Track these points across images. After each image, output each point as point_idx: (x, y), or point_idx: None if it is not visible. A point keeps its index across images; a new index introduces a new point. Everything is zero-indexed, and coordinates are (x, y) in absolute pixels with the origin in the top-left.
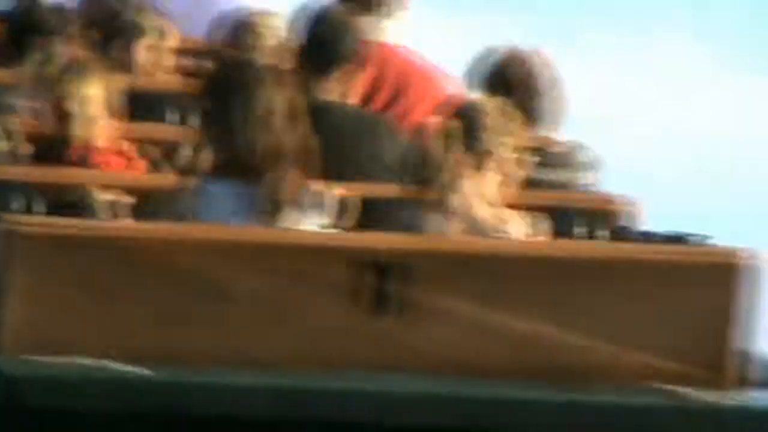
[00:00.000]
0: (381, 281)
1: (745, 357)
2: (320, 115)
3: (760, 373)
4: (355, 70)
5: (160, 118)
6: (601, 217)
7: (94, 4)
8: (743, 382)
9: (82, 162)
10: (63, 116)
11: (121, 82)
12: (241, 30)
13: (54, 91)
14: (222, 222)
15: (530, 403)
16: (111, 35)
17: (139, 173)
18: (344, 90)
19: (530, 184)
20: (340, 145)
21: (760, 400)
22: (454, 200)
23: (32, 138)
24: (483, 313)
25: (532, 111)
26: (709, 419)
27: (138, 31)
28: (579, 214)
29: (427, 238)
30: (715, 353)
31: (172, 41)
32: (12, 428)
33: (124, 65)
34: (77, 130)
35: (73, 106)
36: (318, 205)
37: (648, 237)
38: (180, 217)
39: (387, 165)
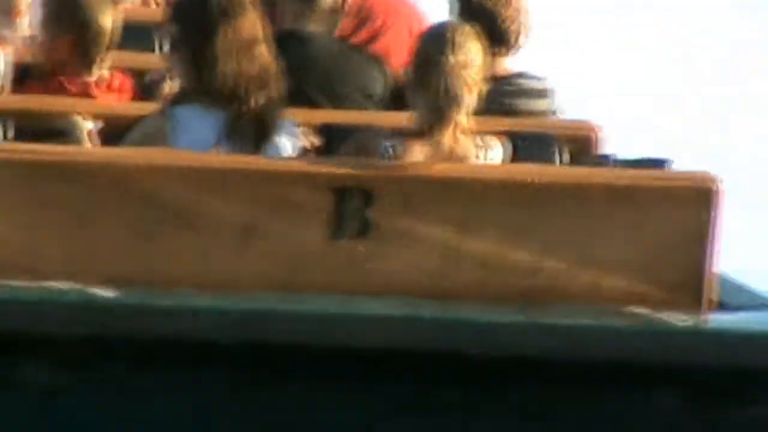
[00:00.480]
0: (355, 206)
1: (719, 280)
2: (308, 46)
3: (732, 296)
4: (340, 3)
5: (151, 49)
6: (581, 144)
7: None
8: (718, 305)
9: (80, 92)
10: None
11: (122, 12)
12: None
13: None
14: (196, 147)
15: (503, 326)
16: None
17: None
18: (330, 21)
19: (510, 113)
20: (329, 78)
21: (735, 322)
22: (436, 130)
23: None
24: (456, 238)
25: (498, 38)
26: (686, 342)
27: None
28: (559, 141)
29: (402, 164)
30: (692, 277)
31: None
32: None
33: None
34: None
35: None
36: (294, 132)
37: (625, 163)
38: (146, 141)
39: (375, 101)
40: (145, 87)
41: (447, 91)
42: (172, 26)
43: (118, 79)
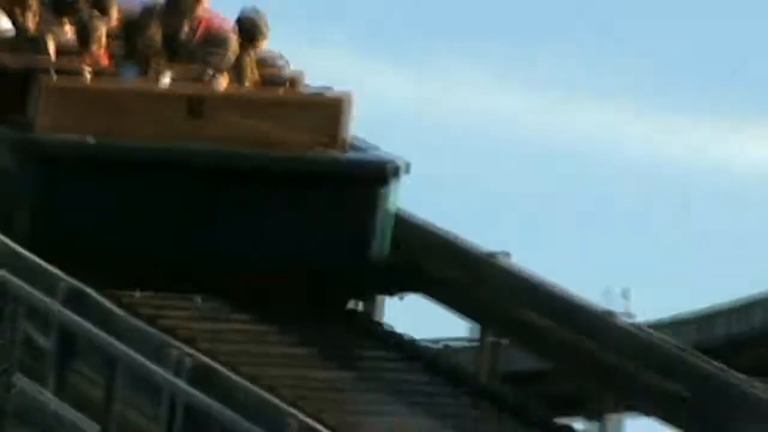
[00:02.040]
0: (198, 105)
1: (353, 139)
2: (176, 41)
3: (359, 146)
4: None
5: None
6: (293, 82)
7: None
8: (349, 149)
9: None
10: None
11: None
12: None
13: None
14: (129, 81)
15: (253, 156)
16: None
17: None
18: (189, 28)
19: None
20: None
21: (358, 155)
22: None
23: None
24: (239, 120)
25: (255, 39)
26: (331, 160)
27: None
28: (283, 81)
29: (222, 88)
30: (337, 137)
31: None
32: None
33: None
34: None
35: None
36: (168, 76)
37: (312, 88)
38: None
39: None
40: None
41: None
42: (122, 31)
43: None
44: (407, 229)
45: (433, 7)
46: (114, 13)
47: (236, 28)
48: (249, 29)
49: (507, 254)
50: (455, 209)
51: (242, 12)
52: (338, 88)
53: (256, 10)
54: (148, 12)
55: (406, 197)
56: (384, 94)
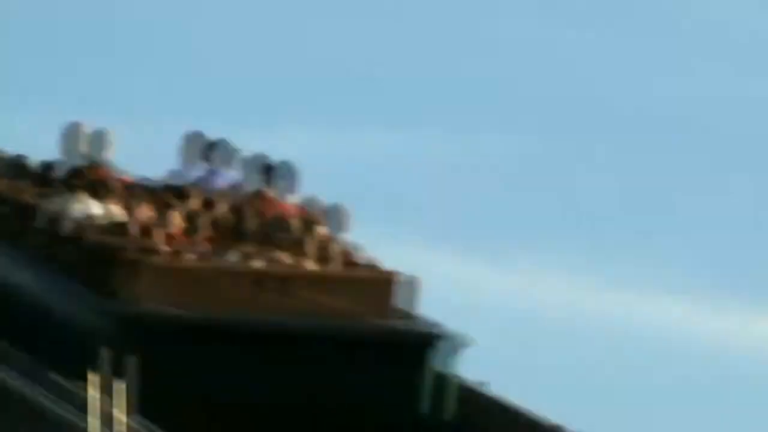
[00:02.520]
0: (281, 284)
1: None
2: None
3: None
4: None
5: None
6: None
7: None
8: (400, 319)
9: None
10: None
11: None
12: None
13: None
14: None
15: None
16: None
17: None
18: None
19: None
20: None
21: (404, 324)
22: None
23: None
24: (317, 296)
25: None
26: None
27: None
28: None
29: (309, 269)
30: (390, 308)
31: None
32: None
33: None
34: None
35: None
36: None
37: None
38: None
39: None
40: None
41: None
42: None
43: None
44: (472, 395)
45: (504, 207)
46: (220, 206)
47: (325, 217)
48: (335, 219)
49: (561, 428)
50: (521, 382)
51: (331, 204)
52: (406, 271)
53: (341, 204)
54: (238, 203)
55: (472, 368)
56: (458, 281)
